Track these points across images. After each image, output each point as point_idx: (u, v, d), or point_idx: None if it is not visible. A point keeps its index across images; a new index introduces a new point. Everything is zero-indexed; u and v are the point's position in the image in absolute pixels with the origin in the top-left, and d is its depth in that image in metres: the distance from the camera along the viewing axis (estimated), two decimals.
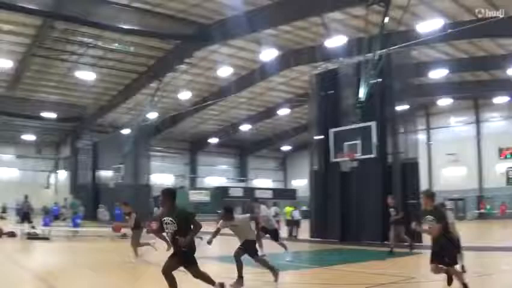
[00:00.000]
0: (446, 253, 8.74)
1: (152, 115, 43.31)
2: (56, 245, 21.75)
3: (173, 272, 7.99)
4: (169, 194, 8.26)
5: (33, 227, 24.81)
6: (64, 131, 55.88)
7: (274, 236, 15.81)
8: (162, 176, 59.20)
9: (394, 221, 17.33)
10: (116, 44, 33.25)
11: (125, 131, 45.44)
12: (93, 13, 28.16)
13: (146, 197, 40.49)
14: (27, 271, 13.34)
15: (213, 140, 61.22)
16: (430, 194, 9.30)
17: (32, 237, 23.36)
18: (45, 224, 25.29)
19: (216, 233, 10.53)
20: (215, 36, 31.81)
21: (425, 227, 9.04)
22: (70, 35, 31.91)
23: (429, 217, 8.91)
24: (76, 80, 38.88)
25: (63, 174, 59.07)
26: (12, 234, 24.08)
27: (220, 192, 56.81)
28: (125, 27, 30.12)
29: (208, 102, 43.70)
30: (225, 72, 38.82)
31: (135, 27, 30.52)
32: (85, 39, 32.48)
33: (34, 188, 48.75)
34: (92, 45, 33.23)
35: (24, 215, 26.72)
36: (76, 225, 26.23)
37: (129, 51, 34.61)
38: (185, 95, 42.67)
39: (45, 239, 23.37)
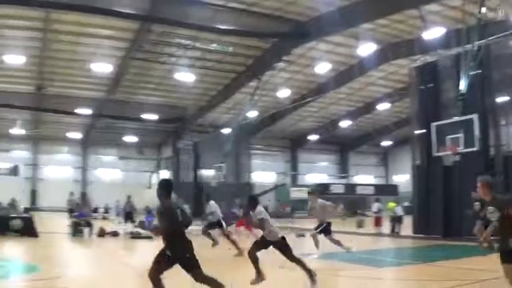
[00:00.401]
0: None
1: (252, 114, 43.98)
2: (159, 244, 22.21)
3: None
4: (166, 186, 7.78)
5: (136, 226, 24.75)
6: (165, 131, 57.17)
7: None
8: (264, 174, 59.92)
9: (475, 216, 16.73)
10: (215, 45, 33.89)
11: (226, 130, 46.44)
12: (189, 15, 28.81)
13: (247, 195, 40.86)
14: (131, 269, 13.71)
15: (313, 137, 61.20)
16: (487, 183, 7.92)
17: (135, 236, 23.63)
18: (149, 224, 26.03)
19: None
20: (312, 33, 31.83)
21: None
22: (167, 38, 32.90)
23: (490, 208, 7.70)
24: (175, 81, 39.49)
25: (165, 174, 59.93)
26: (115, 234, 24.53)
27: (321, 189, 56.51)
28: (222, 27, 30.64)
29: (307, 99, 43.85)
30: (323, 68, 38.76)
31: (232, 27, 31.02)
32: (183, 41, 33.34)
33: (136, 188, 49.37)
34: (191, 47, 34.04)
35: (127, 214, 27.34)
36: None
37: (228, 51, 35.15)
38: (284, 93, 42.83)
39: (149, 238, 22.72)
